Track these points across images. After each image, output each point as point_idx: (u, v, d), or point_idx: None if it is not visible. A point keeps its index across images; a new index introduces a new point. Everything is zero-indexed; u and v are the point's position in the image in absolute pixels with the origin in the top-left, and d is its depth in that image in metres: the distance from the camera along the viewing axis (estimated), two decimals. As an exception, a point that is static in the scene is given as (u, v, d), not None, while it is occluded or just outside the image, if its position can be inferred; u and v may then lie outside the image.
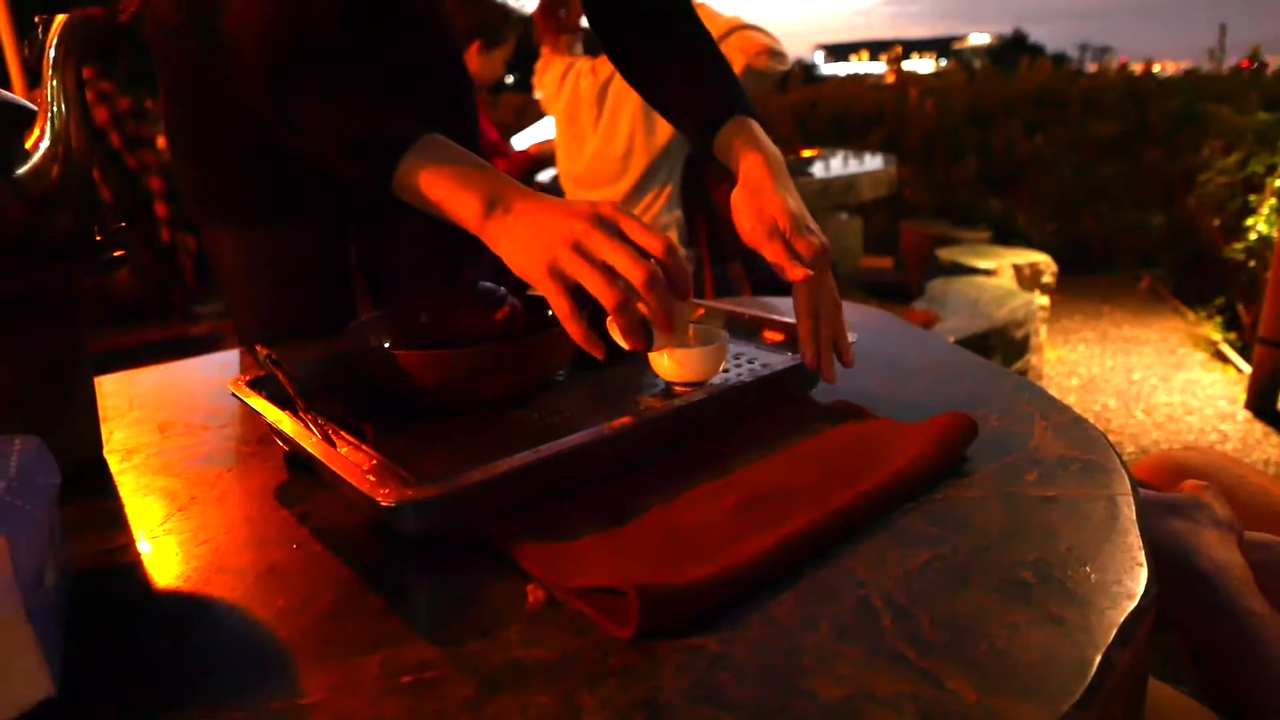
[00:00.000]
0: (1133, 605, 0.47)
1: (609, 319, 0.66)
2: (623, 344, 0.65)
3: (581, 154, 2.35)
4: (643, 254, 0.62)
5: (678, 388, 0.76)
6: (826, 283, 0.75)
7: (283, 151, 0.95)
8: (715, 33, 2.34)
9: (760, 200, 0.75)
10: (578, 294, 0.63)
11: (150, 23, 0.99)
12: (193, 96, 1.01)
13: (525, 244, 0.64)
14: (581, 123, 2.34)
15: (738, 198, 0.77)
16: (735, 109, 0.83)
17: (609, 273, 0.61)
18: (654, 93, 0.94)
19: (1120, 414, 2.91)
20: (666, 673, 0.43)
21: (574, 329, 0.63)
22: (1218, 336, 3.56)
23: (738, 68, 2.22)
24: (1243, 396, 2.94)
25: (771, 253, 0.73)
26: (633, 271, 0.61)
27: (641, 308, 0.63)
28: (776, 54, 2.20)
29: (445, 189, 0.68)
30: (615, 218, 0.63)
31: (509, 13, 2.59)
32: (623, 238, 0.62)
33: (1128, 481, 0.61)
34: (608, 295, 0.61)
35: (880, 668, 0.43)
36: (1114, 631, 0.44)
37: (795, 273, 0.72)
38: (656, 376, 0.77)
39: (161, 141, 3.06)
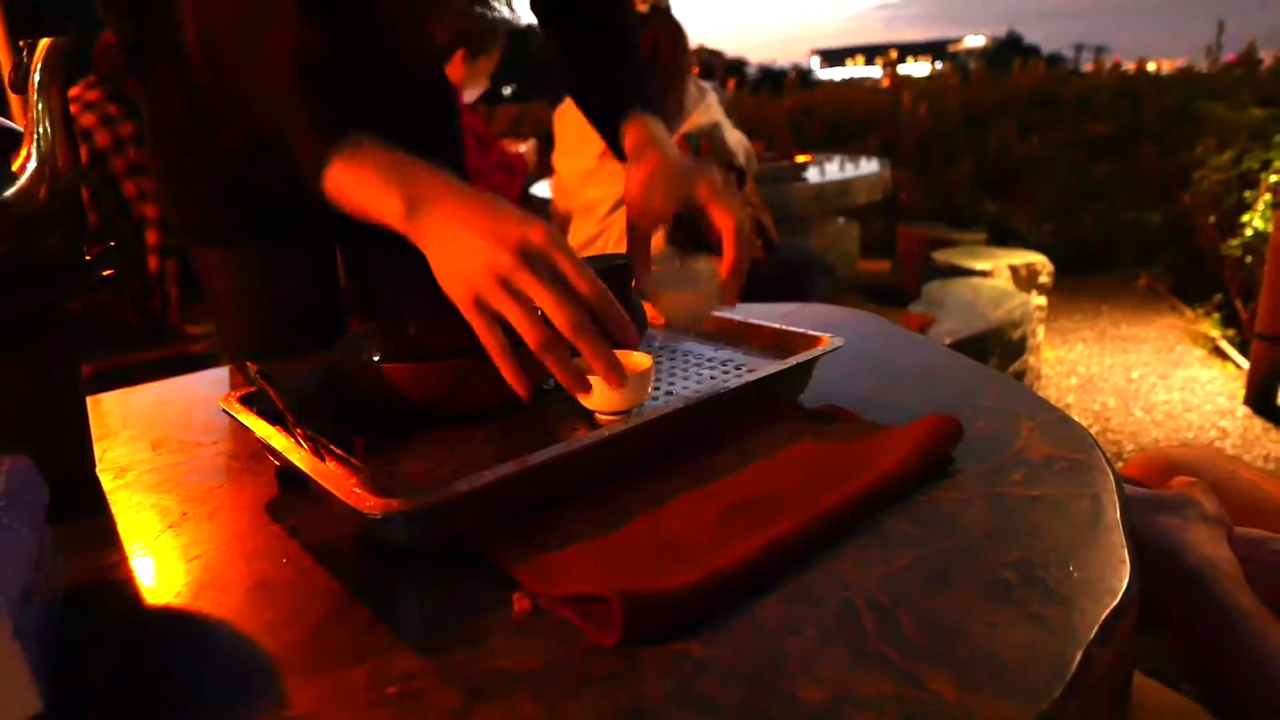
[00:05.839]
0: (1114, 602, 0.47)
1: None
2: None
3: (590, 149, 2.31)
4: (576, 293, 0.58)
5: (600, 417, 0.71)
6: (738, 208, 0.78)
7: (269, 171, 0.96)
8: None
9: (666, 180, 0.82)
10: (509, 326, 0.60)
11: (122, 46, 1.00)
12: (177, 118, 1.01)
13: (449, 263, 0.60)
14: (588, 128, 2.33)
15: (640, 178, 0.83)
16: (634, 107, 0.90)
17: (536, 310, 0.58)
18: (571, 81, 1.01)
19: (1120, 412, 2.91)
20: (649, 678, 0.44)
21: (503, 365, 0.60)
22: (1216, 333, 3.56)
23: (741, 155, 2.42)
24: (1242, 392, 2.94)
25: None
26: (559, 316, 0.57)
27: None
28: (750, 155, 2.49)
29: (369, 189, 0.63)
30: (546, 250, 0.59)
31: (496, 25, 2.54)
32: (552, 275, 0.58)
33: (1113, 479, 0.61)
34: (533, 336, 0.58)
35: (862, 669, 0.43)
36: (1095, 629, 0.45)
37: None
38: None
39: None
